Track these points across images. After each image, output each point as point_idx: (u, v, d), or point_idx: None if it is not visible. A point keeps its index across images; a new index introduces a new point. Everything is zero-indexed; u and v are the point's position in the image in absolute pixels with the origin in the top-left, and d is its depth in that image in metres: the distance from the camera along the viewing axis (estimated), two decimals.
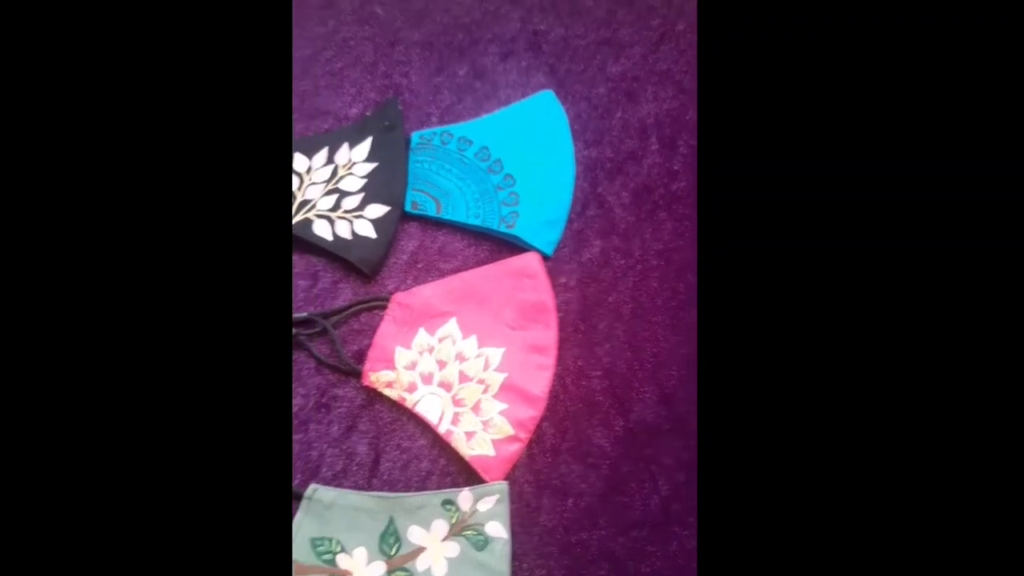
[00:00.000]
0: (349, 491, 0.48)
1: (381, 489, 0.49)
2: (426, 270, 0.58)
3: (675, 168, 0.62)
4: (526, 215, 0.58)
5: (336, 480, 0.50)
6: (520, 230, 0.57)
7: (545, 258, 0.57)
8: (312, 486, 0.48)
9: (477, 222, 0.58)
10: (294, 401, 0.53)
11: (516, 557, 0.46)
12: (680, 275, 0.57)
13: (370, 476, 0.50)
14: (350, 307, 0.55)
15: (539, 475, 0.50)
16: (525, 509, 0.48)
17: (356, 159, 0.61)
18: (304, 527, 0.47)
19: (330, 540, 0.47)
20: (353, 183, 0.60)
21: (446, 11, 0.70)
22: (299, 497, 0.48)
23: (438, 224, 0.59)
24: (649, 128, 0.64)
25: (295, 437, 0.51)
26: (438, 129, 0.63)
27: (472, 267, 0.57)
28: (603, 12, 0.70)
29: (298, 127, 0.65)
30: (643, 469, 0.50)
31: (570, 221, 0.59)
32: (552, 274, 0.56)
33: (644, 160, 0.62)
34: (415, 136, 0.62)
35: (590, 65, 0.67)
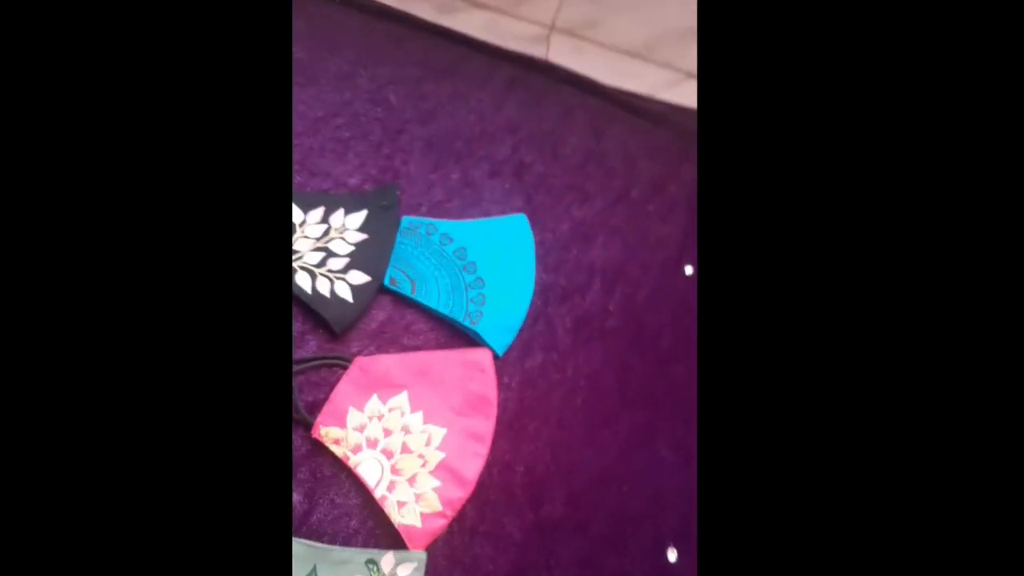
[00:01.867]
0: None
1: (308, 538, 0.54)
2: (390, 341, 0.66)
3: (610, 308, 0.77)
4: (489, 316, 0.69)
5: None
6: (482, 328, 0.68)
7: (495, 357, 0.68)
8: None
9: (445, 311, 0.68)
10: None
11: None
12: (601, 398, 0.70)
13: (300, 524, 0.55)
14: (314, 359, 0.62)
15: (455, 551, 0.58)
16: None
17: (350, 226, 0.70)
18: None
19: None
20: (342, 247, 0.68)
21: (451, 119, 0.84)
22: None
23: (409, 303, 0.69)
24: (596, 270, 0.79)
25: None
26: (425, 220, 0.74)
27: (432, 348, 0.66)
28: (578, 161, 0.88)
29: (297, 179, 0.73)
30: (543, 560, 0.60)
31: (521, 331, 0.71)
32: (499, 372, 0.67)
33: (588, 295, 0.77)
34: (405, 220, 0.73)
35: (559, 203, 0.83)
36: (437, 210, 0.76)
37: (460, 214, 0.77)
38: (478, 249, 0.74)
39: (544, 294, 0.75)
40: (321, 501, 0.56)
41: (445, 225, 0.74)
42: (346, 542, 0.55)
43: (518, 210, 0.79)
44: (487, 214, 0.78)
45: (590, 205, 0.84)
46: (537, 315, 0.73)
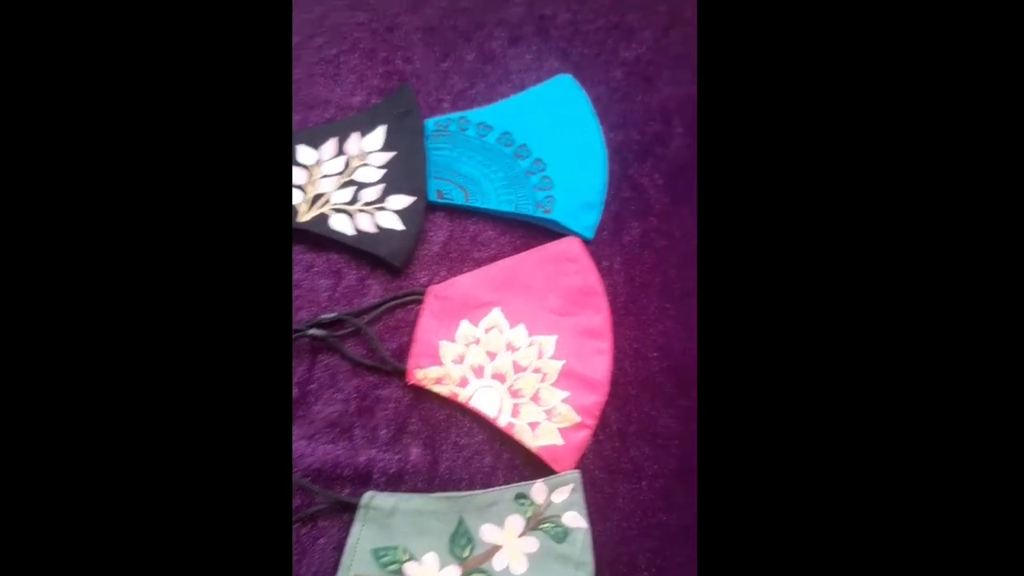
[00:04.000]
0: (411, 494, 0.49)
1: (443, 490, 0.50)
2: (460, 260, 0.60)
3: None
4: (562, 199, 0.62)
5: (391, 485, 0.51)
6: (558, 214, 0.61)
7: (586, 241, 0.60)
8: (368, 493, 0.49)
9: (510, 208, 0.61)
10: (332, 408, 0.53)
11: (596, 545, 0.49)
12: None
13: (429, 477, 0.51)
14: (383, 303, 0.57)
15: (609, 461, 0.53)
16: (600, 496, 0.51)
17: (369, 148, 0.63)
18: (364, 538, 0.48)
19: (395, 549, 0.48)
20: (370, 174, 0.62)
21: None
22: (351, 507, 0.48)
23: (467, 212, 0.62)
24: (671, 111, 0.70)
25: (339, 444, 0.52)
26: (453, 115, 0.66)
27: (508, 255, 0.60)
28: None
29: (295, 118, 0.66)
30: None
31: (606, 204, 0.63)
32: (595, 257, 0.60)
33: (671, 143, 0.68)
34: (430, 123, 0.65)
35: (603, 50, 0.73)
36: (462, 100, 0.68)
37: (490, 96, 0.68)
38: (525, 128, 0.66)
39: (619, 155, 0.66)
40: (444, 447, 0.53)
41: (478, 114, 0.66)
42: (486, 483, 0.51)
43: (556, 71, 0.70)
44: (522, 87, 0.69)
45: (639, 39, 0.74)
46: (619, 181, 0.65)
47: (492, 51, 0.72)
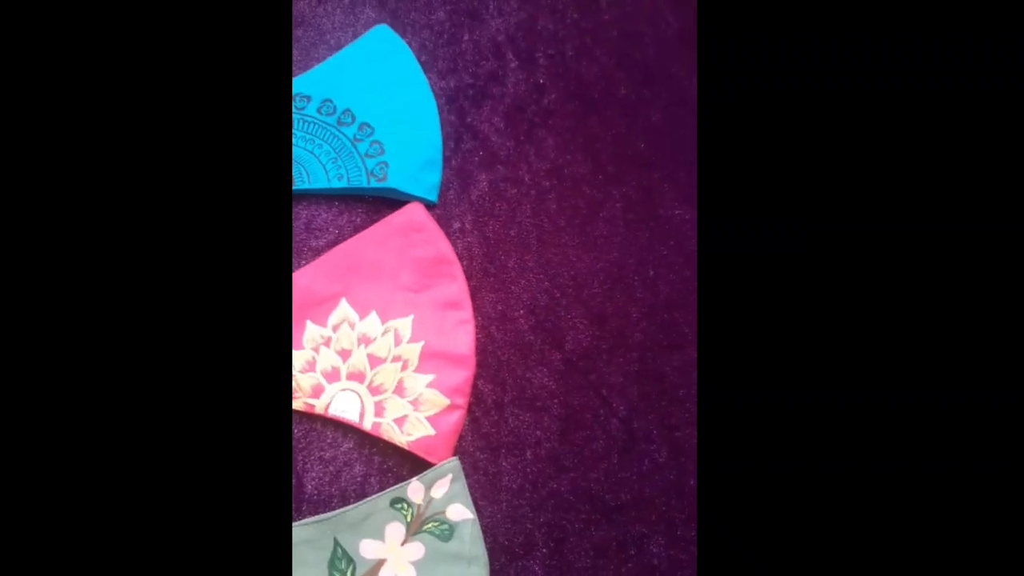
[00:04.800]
0: None
1: (314, 512, 0.43)
2: (296, 253, 0.52)
3: (541, 82, 0.60)
4: (397, 163, 0.54)
5: None
6: (394, 180, 0.53)
7: (430, 206, 0.53)
8: None
9: (341, 184, 0.53)
10: None
11: (488, 532, 0.43)
12: (576, 189, 0.56)
13: (296, 503, 0.44)
14: None
15: (488, 437, 0.47)
16: (484, 478, 0.46)
17: None
18: None
19: None
20: None
21: None
22: None
23: (296, 198, 0.53)
24: (502, 45, 0.61)
25: None
26: None
27: (349, 236, 0.52)
28: None
29: None
30: (594, 396, 0.49)
31: (446, 159, 0.55)
32: (443, 221, 0.52)
33: (507, 79, 0.60)
34: None
35: None
36: None
37: (305, 64, 0.58)
38: (347, 92, 0.56)
39: (454, 103, 0.58)
40: (308, 467, 0.45)
41: (293, 84, 0.56)
42: (360, 494, 0.45)
43: (373, 23, 0.60)
44: (339, 47, 0.59)
45: None
46: (457, 132, 0.57)
47: (300, 12, 0.61)
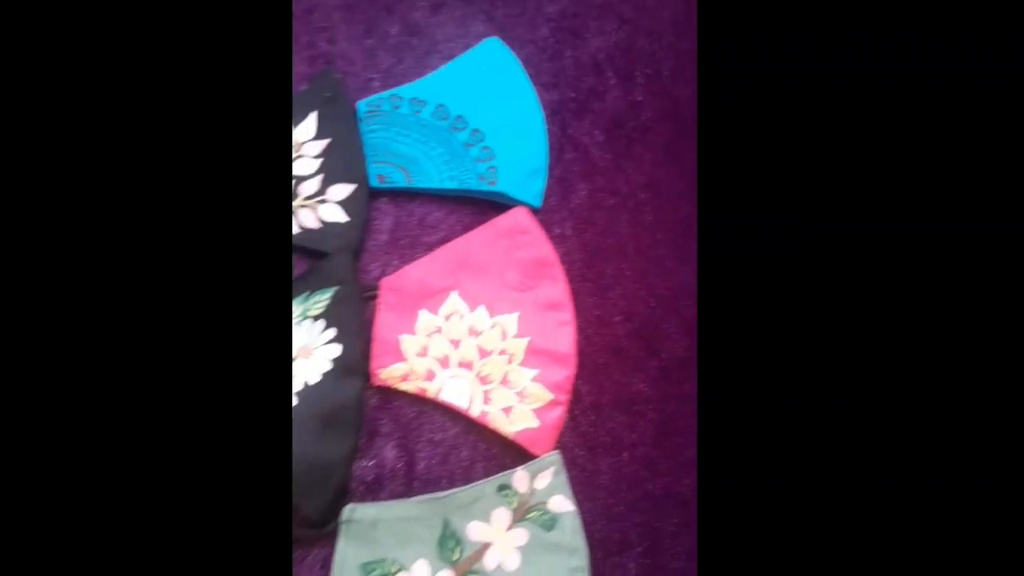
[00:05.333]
0: (391, 502, 0.44)
1: (423, 491, 0.45)
2: (410, 247, 0.53)
3: (638, 99, 0.62)
4: (505, 168, 0.55)
5: (371, 493, 0.45)
6: (503, 185, 0.54)
7: (534, 210, 0.54)
8: (348, 506, 0.43)
9: (453, 185, 0.54)
10: None
11: (585, 527, 0.44)
12: (671, 204, 0.57)
13: (407, 480, 0.46)
14: None
15: (587, 436, 0.48)
16: (582, 475, 0.47)
17: (302, 138, 0.55)
18: (350, 554, 0.42)
19: (383, 562, 0.42)
20: (307, 165, 0.54)
21: None
22: (326, 525, 0.43)
23: (411, 195, 0.55)
24: (602, 63, 0.63)
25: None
26: (384, 94, 0.58)
27: (458, 235, 0.53)
28: None
29: None
30: (687, 406, 0.49)
31: (549, 169, 0.57)
32: (545, 225, 0.54)
33: (606, 96, 0.61)
34: (361, 105, 0.57)
35: (526, 8, 0.65)
36: (392, 77, 0.60)
37: (420, 70, 0.60)
38: (459, 99, 0.58)
39: (557, 116, 0.59)
40: (418, 446, 0.47)
41: (409, 89, 0.58)
42: (467, 478, 0.46)
43: (482, 36, 0.62)
44: (451, 56, 0.61)
45: None
46: (559, 143, 0.58)
47: (416, 22, 0.63)
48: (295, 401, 0.45)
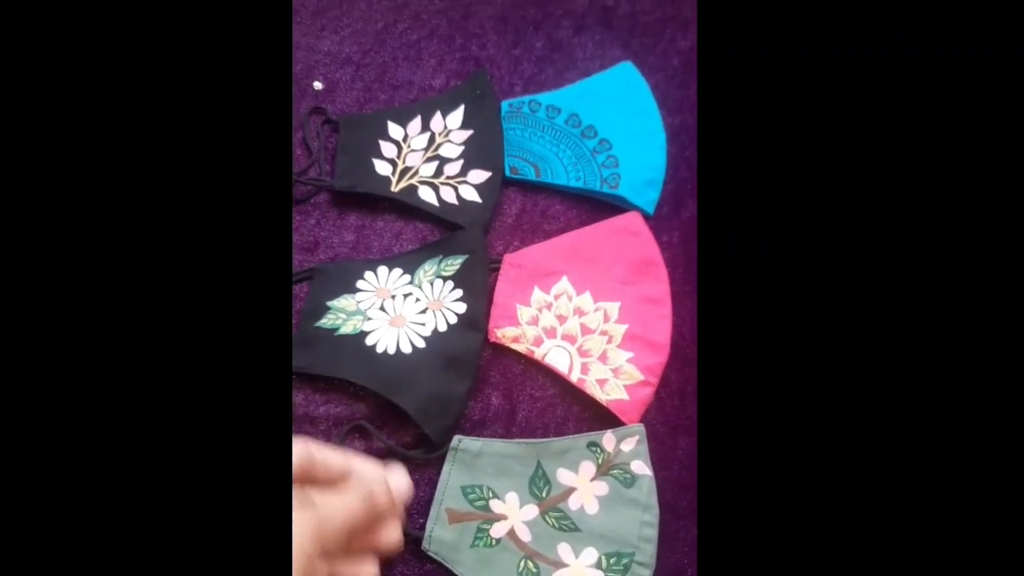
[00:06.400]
0: (494, 439, 0.49)
1: (520, 436, 0.50)
2: (531, 232, 0.59)
3: None
4: (627, 176, 0.60)
5: (476, 430, 0.51)
6: (623, 190, 0.59)
7: (646, 216, 0.59)
8: (457, 437, 0.49)
9: (578, 184, 0.60)
10: None
11: (659, 491, 0.48)
12: None
13: (508, 425, 0.51)
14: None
15: (669, 417, 0.52)
16: (661, 448, 0.50)
17: (451, 126, 0.62)
18: (454, 476, 0.48)
19: (481, 487, 0.48)
20: (452, 150, 0.61)
21: None
22: (440, 447, 0.48)
23: (538, 188, 0.61)
24: None
25: None
26: (525, 98, 0.64)
27: (575, 228, 0.59)
28: None
29: (382, 97, 0.65)
30: None
31: (666, 183, 0.61)
32: (655, 232, 0.58)
33: None
34: (504, 105, 0.63)
35: (661, 39, 0.70)
36: (532, 84, 0.66)
37: (558, 82, 0.66)
38: (592, 111, 0.64)
39: (677, 138, 0.64)
40: (520, 398, 0.52)
41: (548, 97, 0.64)
42: (559, 431, 0.51)
43: (618, 59, 0.67)
44: (587, 73, 0.67)
45: (693, 32, 0.70)
46: (676, 162, 0.63)
47: (559, 39, 0.69)
48: (422, 344, 0.51)
